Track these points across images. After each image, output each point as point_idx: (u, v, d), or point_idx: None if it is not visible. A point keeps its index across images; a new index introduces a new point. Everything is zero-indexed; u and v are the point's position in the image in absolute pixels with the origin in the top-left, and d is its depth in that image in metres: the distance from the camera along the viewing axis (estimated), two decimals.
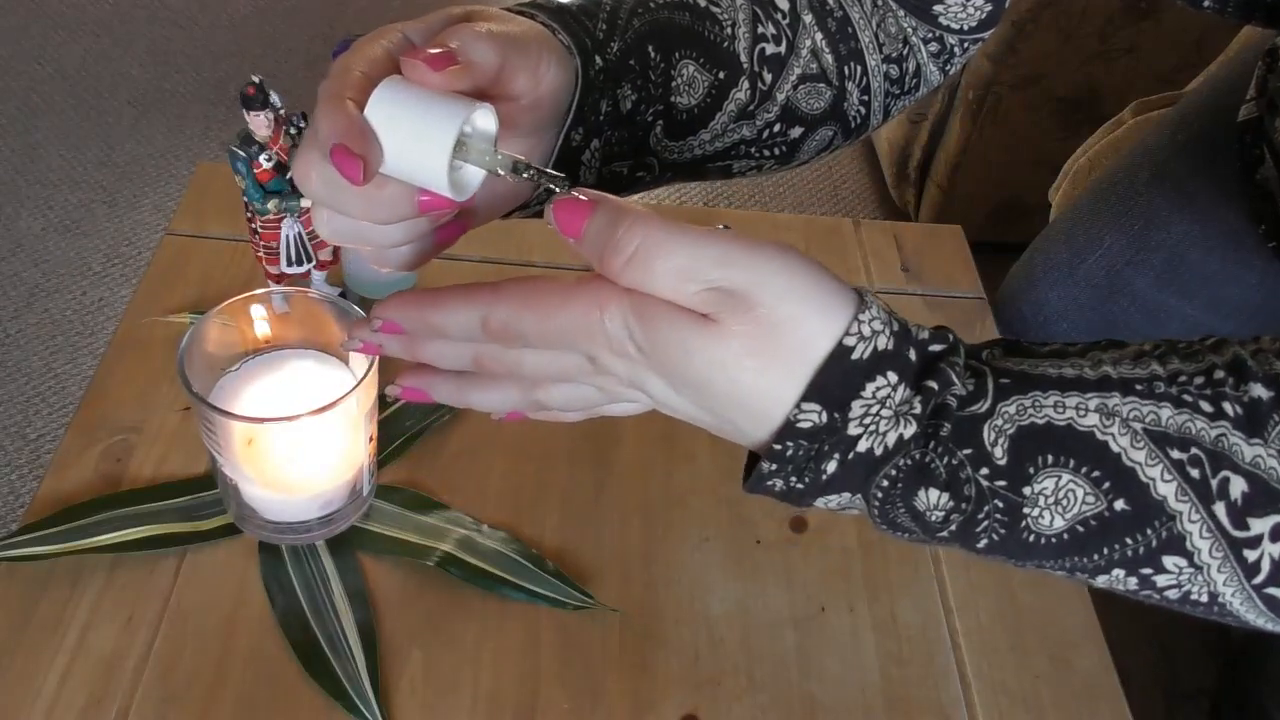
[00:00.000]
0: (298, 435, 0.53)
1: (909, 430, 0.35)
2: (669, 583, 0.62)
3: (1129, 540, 0.34)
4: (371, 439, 0.58)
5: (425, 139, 0.35)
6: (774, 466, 0.36)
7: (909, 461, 0.35)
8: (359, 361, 0.57)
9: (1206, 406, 0.34)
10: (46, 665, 0.55)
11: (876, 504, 0.36)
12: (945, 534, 0.36)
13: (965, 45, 0.54)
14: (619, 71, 0.44)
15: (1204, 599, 0.35)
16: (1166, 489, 0.34)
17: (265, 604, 0.58)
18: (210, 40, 2.29)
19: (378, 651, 0.57)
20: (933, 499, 0.35)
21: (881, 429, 0.34)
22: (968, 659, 0.60)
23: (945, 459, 0.35)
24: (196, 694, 0.55)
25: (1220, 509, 0.33)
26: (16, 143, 1.99)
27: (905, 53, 0.53)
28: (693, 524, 0.65)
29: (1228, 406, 0.34)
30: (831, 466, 0.35)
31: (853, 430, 0.34)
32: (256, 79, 0.61)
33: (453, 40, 0.37)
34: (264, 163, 0.64)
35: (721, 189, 2.05)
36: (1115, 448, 0.34)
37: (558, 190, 0.36)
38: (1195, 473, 0.34)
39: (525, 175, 0.36)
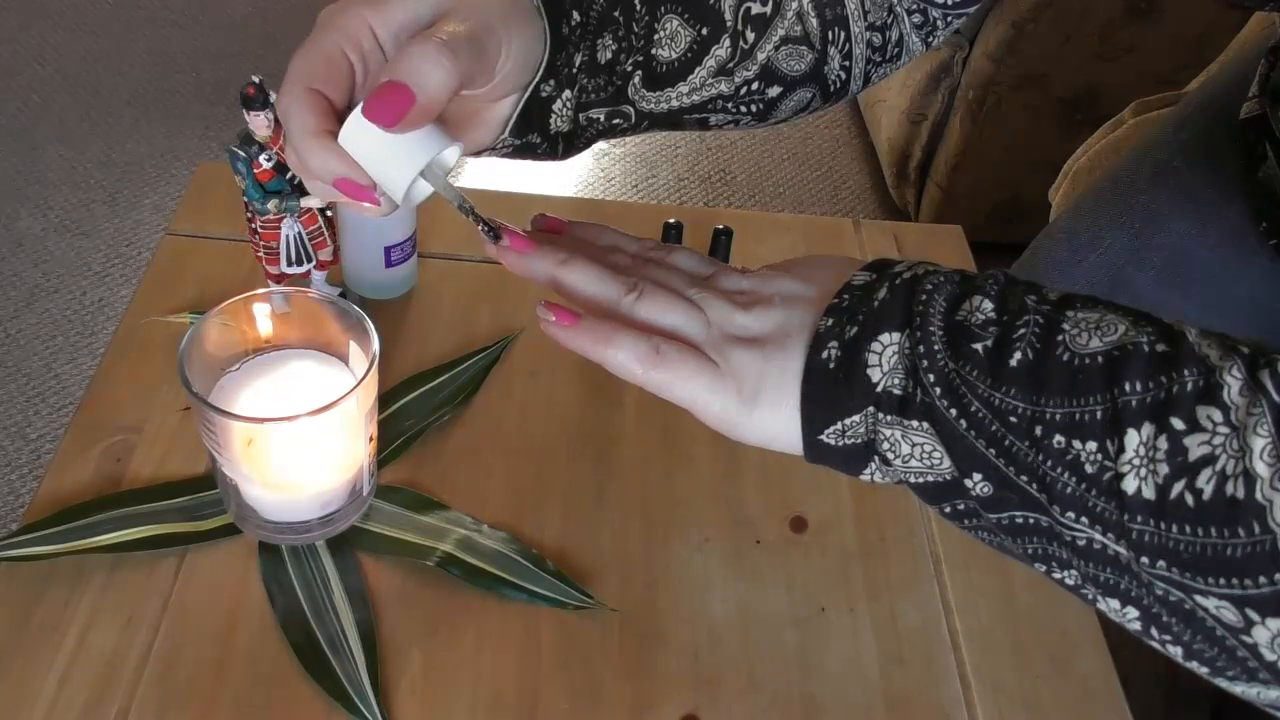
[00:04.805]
0: (298, 435, 0.53)
1: (958, 276, 0.40)
2: (669, 583, 0.62)
3: (1163, 379, 0.33)
4: (371, 439, 0.58)
5: (384, 175, 0.40)
6: (830, 322, 0.40)
7: (955, 278, 0.39)
8: (359, 361, 0.57)
9: (1245, 348, 0.34)
10: (46, 666, 0.55)
11: (920, 310, 0.38)
12: (979, 347, 0.36)
13: (949, 19, 0.54)
14: (602, 22, 0.45)
15: (1240, 492, 0.32)
16: (1210, 350, 0.34)
17: (265, 604, 0.58)
18: (210, 40, 2.30)
19: (378, 651, 0.57)
20: (976, 303, 0.38)
21: (927, 269, 0.40)
22: (968, 659, 0.60)
23: (995, 278, 0.38)
24: (196, 694, 0.55)
25: (1266, 375, 0.32)
26: (16, 143, 1.99)
27: (889, 21, 0.53)
28: (693, 524, 0.65)
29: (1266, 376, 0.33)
30: (882, 293, 0.39)
31: (899, 268, 0.41)
32: (256, 79, 0.61)
33: (402, 72, 0.37)
34: (264, 163, 0.64)
35: (721, 190, 2.05)
36: (1167, 318, 0.36)
37: (489, 238, 0.43)
38: (1244, 348, 0.34)
39: (467, 216, 0.42)
